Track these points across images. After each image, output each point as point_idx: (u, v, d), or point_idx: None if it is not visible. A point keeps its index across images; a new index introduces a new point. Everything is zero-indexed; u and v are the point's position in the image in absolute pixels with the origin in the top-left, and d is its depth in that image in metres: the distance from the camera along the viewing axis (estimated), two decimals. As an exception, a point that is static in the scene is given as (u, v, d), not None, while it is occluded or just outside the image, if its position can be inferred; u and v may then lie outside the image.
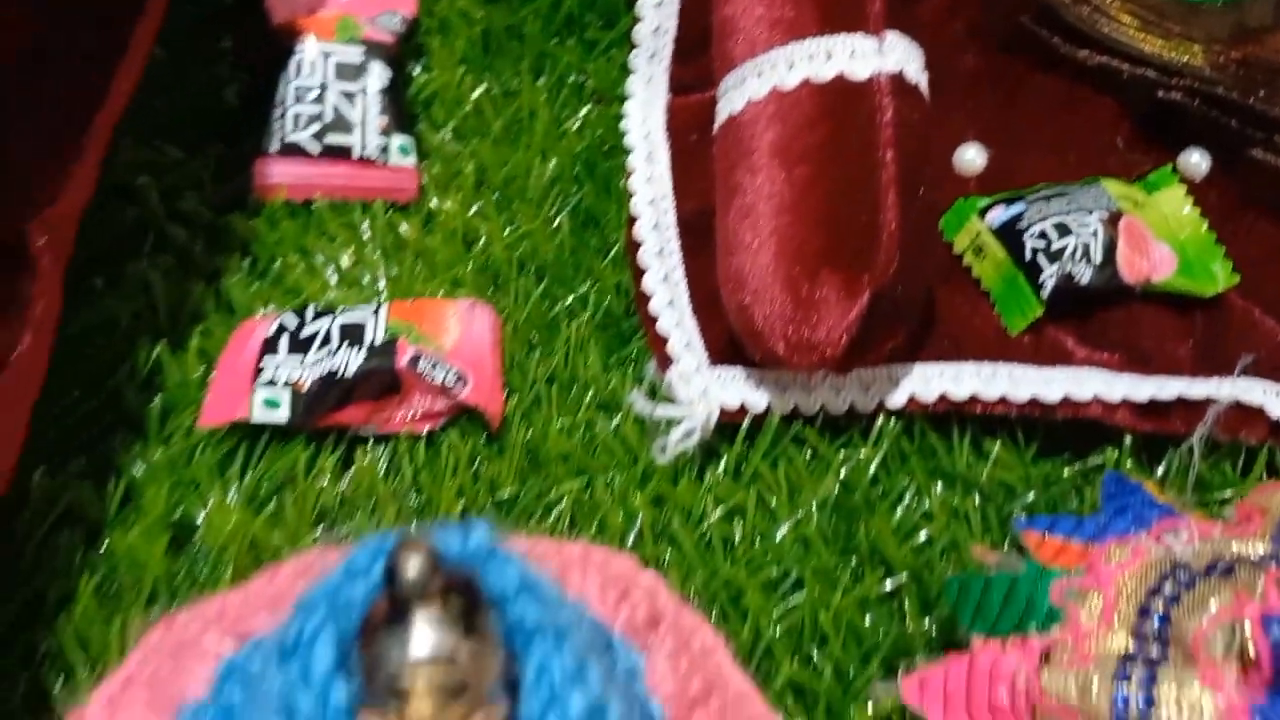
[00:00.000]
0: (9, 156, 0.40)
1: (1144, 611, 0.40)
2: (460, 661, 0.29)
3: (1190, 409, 0.50)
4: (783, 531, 0.49)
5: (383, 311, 0.50)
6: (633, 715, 0.34)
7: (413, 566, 0.29)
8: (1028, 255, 0.52)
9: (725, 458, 0.51)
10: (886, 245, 0.46)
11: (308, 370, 0.48)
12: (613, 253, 0.56)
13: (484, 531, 0.33)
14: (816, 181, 0.47)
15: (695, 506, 0.49)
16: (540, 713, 0.31)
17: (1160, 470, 0.51)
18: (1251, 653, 0.37)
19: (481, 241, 0.56)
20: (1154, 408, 0.51)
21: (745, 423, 0.51)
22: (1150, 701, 0.37)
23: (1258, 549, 0.43)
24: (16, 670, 0.42)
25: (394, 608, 0.29)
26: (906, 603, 0.47)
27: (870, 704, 0.44)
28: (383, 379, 0.47)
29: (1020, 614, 0.42)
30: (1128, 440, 0.52)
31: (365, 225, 0.56)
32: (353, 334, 0.48)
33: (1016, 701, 0.40)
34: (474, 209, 0.57)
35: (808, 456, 0.51)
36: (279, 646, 0.31)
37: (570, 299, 0.55)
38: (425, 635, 0.29)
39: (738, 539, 0.49)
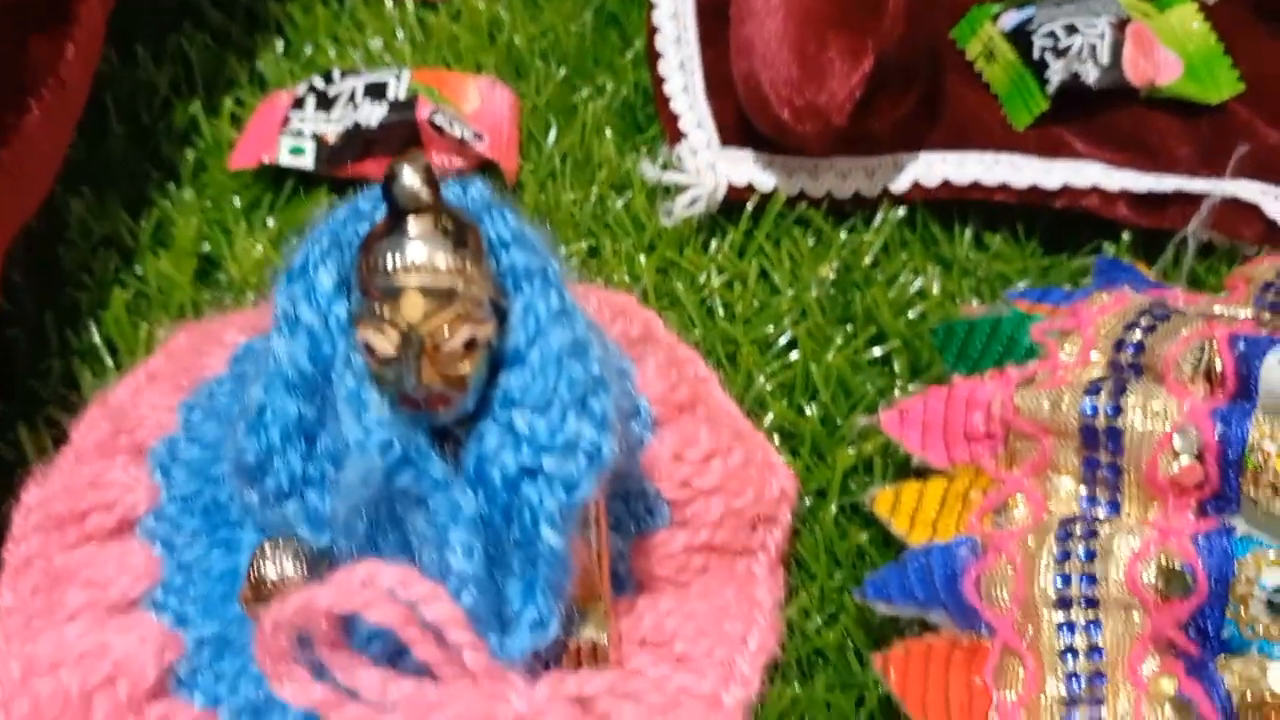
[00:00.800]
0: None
1: (1119, 344, 0.42)
2: (449, 270, 0.31)
3: (1188, 205, 0.52)
4: (781, 299, 0.50)
5: (405, 74, 0.52)
6: (618, 373, 0.36)
7: (408, 175, 0.31)
8: (1036, 54, 0.53)
9: (730, 234, 0.52)
10: (892, 11, 0.48)
11: (333, 126, 0.50)
12: (632, 53, 0.58)
13: (483, 187, 0.35)
14: (827, -49, 0.49)
15: (698, 273, 0.51)
16: (525, 345, 0.33)
17: (1156, 268, 0.52)
18: (1218, 367, 0.39)
19: (505, 33, 0.58)
20: (1152, 202, 0.52)
21: (751, 204, 0.53)
22: (1117, 410, 0.39)
23: (1240, 313, 0.44)
24: (51, 359, 0.45)
25: (391, 220, 0.32)
26: (897, 365, 0.49)
27: (852, 449, 0.46)
28: (403, 132, 0.50)
29: (1001, 353, 0.44)
30: (1125, 236, 0.53)
31: (395, 16, 0.58)
32: (376, 91, 0.51)
33: (991, 426, 0.42)
34: (500, 4, 0.59)
35: (811, 242, 0.53)
36: (284, 273, 0.33)
37: (589, 89, 0.57)
38: (418, 242, 0.31)
39: (738, 305, 0.50)
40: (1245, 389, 0.38)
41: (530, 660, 0.34)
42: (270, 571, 0.32)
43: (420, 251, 0.31)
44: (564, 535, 0.33)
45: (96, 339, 0.46)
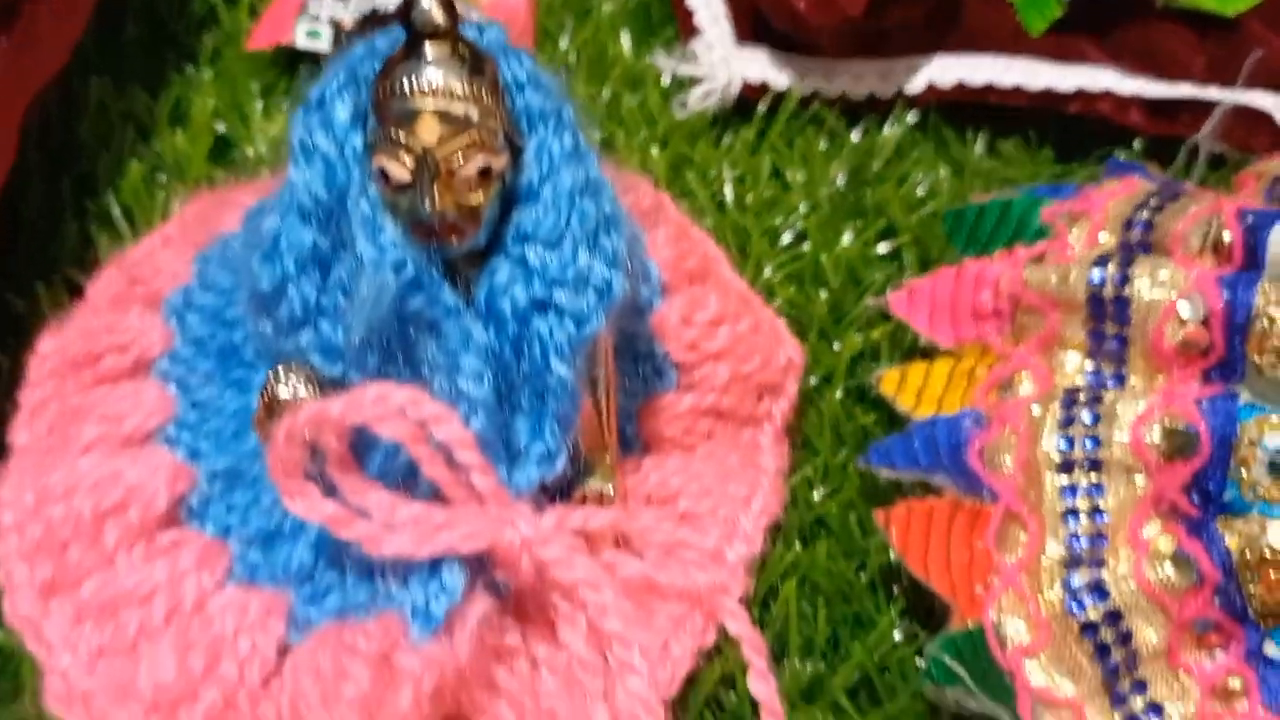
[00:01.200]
0: None
1: (1128, 224, 0.42)
2: (465, 96, 0.32)
3: (1200, 113, 0.52)
4: (793, 194, 0.51)
5: (424, -37, 0.52)
6: (627, 222, 0.36)
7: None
8: (1052, -41, 0.54)
9: (743, 132, 0.53)
10: (908, -97, 0.48)
11: (350, 12, 0.51)
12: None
13: (500, 30, 0.35)
14: None
15: (711, 168, 0.51)
16: (538, 182, 0.34)
17: (1167, 175, 0.52)
18: (1226, 239, 0.39)
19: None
20: (1165, 109, 0.52)
21: (765, 103, 0.53)
22: (1125, 279, 0.39)
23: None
24: (69, 221, 0.45)
25: (409, 45, 0.32)
26: (906, 258, 0.49)
27: (859, 335, 0.46)
28: (420, 17, 0.50)
29: (1011, 235, 0.44)
30: (1137, 145, 0.53)
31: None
32: (395, -23, 0.51)
33: (999, 304, 0.42)
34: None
35: (823, 144, 0.53)
36: (301, 105, 0.34)
37: (604, -9, 0.57)
38: (434, 66, 0.31)
39: (748, 197, 0.51)
40: (1253, 260, 0.38)
41: (538, 499, 0.34)
42: (284, 392, 0.32)
43: (437, 75, 0.31)
44: (573, 368, 0.33)
45: (114, 207, 0.46)
